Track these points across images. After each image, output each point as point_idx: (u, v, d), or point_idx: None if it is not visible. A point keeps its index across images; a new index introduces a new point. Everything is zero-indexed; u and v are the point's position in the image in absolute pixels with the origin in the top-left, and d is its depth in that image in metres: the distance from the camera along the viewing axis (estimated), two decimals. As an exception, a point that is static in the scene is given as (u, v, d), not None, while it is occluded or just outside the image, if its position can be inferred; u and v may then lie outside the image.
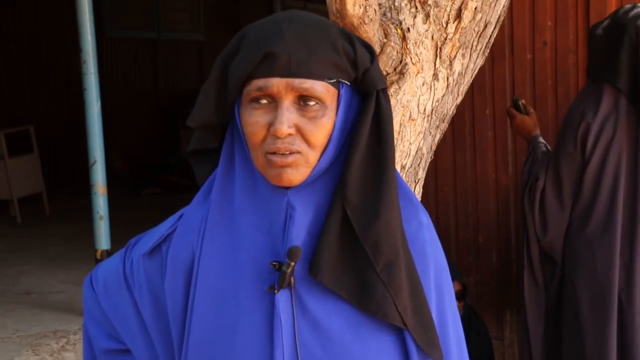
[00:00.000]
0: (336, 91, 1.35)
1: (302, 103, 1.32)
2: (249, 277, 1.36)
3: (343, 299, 1.33)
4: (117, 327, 1.54)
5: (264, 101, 1.33)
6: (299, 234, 1.34)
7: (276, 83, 1.31)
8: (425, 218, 1.43)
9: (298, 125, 1.32)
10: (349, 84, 1.36)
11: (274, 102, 1.33)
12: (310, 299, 1.34)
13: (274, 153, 1.32)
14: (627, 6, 3.36)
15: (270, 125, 1.32)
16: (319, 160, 1.34)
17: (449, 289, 1.43)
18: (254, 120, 1.33)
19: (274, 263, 1.33)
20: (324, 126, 1.33)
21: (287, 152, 1.31)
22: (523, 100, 3.66)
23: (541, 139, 3.57)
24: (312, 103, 1.32)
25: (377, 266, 1.32)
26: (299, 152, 1.32)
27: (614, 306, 3.23)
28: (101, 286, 1.56)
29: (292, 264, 1.31)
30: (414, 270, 1.36)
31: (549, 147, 3.55)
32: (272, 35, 1.33)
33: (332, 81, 1.33)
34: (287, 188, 1.34)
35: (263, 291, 1.35)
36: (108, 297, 1.54)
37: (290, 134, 1.31)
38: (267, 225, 1.36)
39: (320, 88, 1.32)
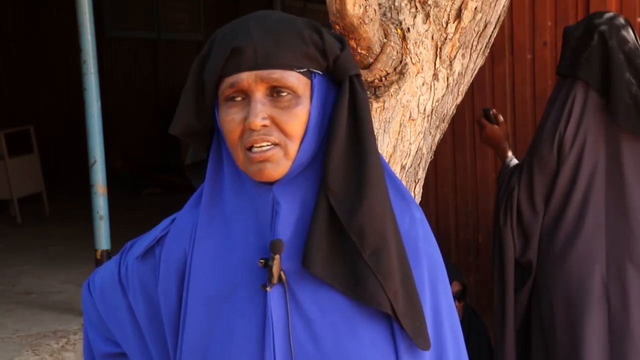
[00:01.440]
0: (309, 81, 1.35)
1: (274, 94, 1.33)
2: (244, 278, 1.36)
3: (337, 291, 1.34)
4: (113, 330, 1.55)
5: (238, 98, 1.34)
6: (285, 229, 1.34)
7: (245, 77, 1.32)
8: (418, 213, 1.43)
9: (272, 116, 1.33)
10: (321, 73, 1.36)
11: (247, 97, 1.34)
12: (303, 294, 1.35)
13: (252, 148, 1.32)
14: (601, 11, 3.43)
15: (246, 120, 1.33)
16: (298, 152, 1.34)
17: (445, 284, 1.43)
18: (230, 117, 1.34)
19: (261, 260, 1.33)
20: (298, 115, 1.33)
21: (265, 145, 1.32)
22: (494, 110, 3.65)
23: (514, 161, 3.54)
24: (284, 93, 1.33)
25: (365, 253, 1.32)
26: (277, 144, 1.32)
27: (590, 314, 3.21)
28: (98, 290, 1.57)
29: (277, 257, 1.32)
30: (406, 258, 1.36)
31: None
32: (238, 32, 1.35)
33: (302, 70, 1.34)
34: (272, 184, 1.35)
35: (257, 291, 1.35)
36: (104, 301, 1.55)
37: (265, 126, 1.32)
38: (256, 225, 1.37)
39: (291, 78, 1.33)
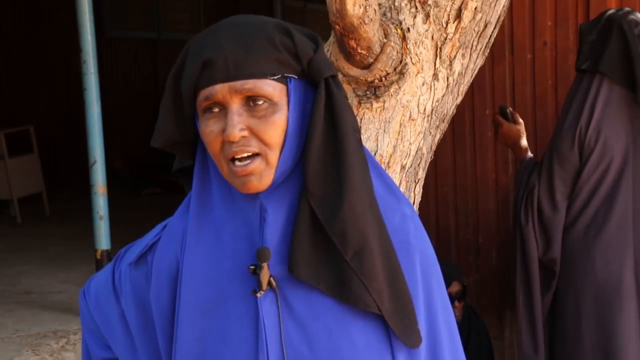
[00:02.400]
0: (284, 87, 1.33)
1: (251, 104, 1.32)
2: (235, 283, 1.36)
3: (325, 294, 1.33)
4: (106, 336, 1.55)
5: (216, 109, 1.33)
6: (273, 235, 1.34)
7: (219, 89, 1.31)
8: (408, 210, 1.42)
9: (250, 126, 1.31)
10: (296, 77, 1.35)
11: (224, 108, 1.32)
12: (295, 299, 1.34)
13: (234, 160, 1.32)
14: (617, 8, 3.42)
15: (224, 131, 1.31)
16: (279, 159, 1.33)
17: (438, 280, 1.42)
18: (209, 130, 1.33)
19: (251, 267, 1.33)
20: (276, 123, 1.32)
21: (246, 156, 1.31)
22: (510, 108, 3.63)
23: (532, 160, 3.51)
24: (260, 102, 1.31)
25: (347, 255, 1.32)
26: (257, 154, 1.32)
27: (622, 307, 3.19)
28: (93, 297, 1.57)
29: (264, 265, 1.31)
30: (393, 255, 1.35)
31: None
32: (208, 42, 1.33)
33: (276, 77, 1.32)
34: (259, 192, 1.34)
35: (249, 297, 1.35)
36: (98, 308, 1.55)
37: (243, 137, 1.31)
38: (245, 232, 1.36)
39: (265, 86, 1.31)
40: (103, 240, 4.31)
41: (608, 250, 3.21)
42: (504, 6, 2.24)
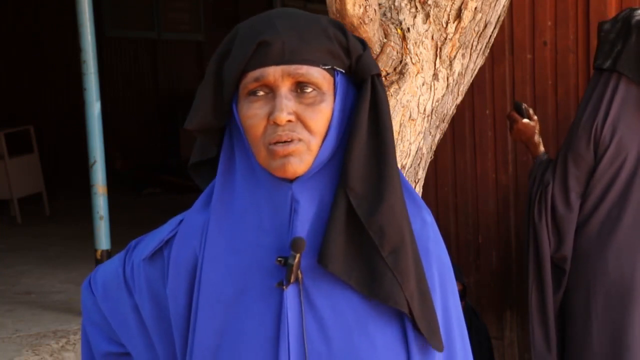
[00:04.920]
0: (332, 78, 1.35)
1: (299, 90, 1.33)
2: (256, 278, 1.35)
3: (352, 291, 1.33)
4: (116, 330, 1.53)
5: (261, 93, 1.33)
6: (303, 227, 1.33)
7: (272, 71, 1.32)
8: (429, 217, 1.43)
9: (297, 112, 1.32)
10: (343, 72, 1.36)
11: (272, 92, 1.33)
12: (317, 294, 1.34)
13: (276, 143, 1.31)
14: (636, 7, 3.43)
15: (270, 115, 1.32)
16: (320, 148, 1.33)
17: (453, 287, 1.43)
18: (253, 112, 1.33)
19: (279, 259, 1.32)
20: (322, 112, 1.33)
21: (289, 140, 1.31)
22: (525, 105, 3.62)
23: (546, 157, 3.51)
24: (309, 90, 1.32)
25: (383, 252, 1.31)
26: (300, 140, 1.32)
27: (634, 305, 3.18)
28: (100, 289, 1.55)
29: (298, 255, 1.31)
30: (419, 259, 1.36)
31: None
32: (264, 27, 1.34)
33: (327, 67, 1.34)
34: (291, 181, 1.34)
35: (271, 290, 1.34)
36: (107, 300, 1.54)
37: (290, 121, 1.31)
38: (271, 224, 1.35)
39: (316, 74, 1.33)
40: (103, 240, 4.31)
41: (621, 250, 3.21)
42: (504, 6, 2.24)
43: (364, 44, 1.40)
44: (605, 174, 3.25)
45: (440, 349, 1.35)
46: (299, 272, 1.32)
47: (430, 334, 1.34)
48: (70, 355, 3.94)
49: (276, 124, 1.31)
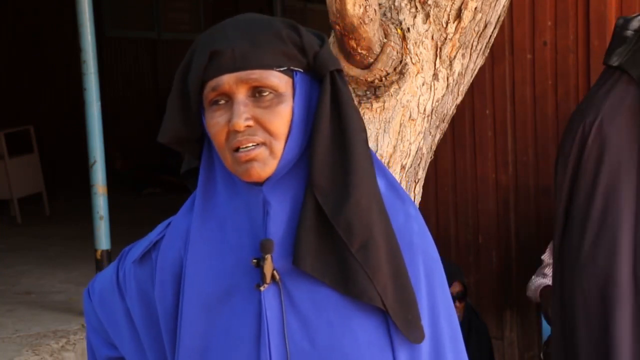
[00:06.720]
0: (290, 79, 1.36)
1: (257, 95, 1.34)
2: (239, 279, 1.37)
3: (329, 287, 1.34)
4: (111, 334, 1.56)
5: (222, 101, 1.35)
6: (277, 228, 1.35)
7: (226, 79, 1.33)
8: (413, 210, 1.43)
9: (256, 117, 1.33)
10: (302, 71, 1.37)
11: (230, 99, 1.34)
12: (298, 292, 1.35)
13: (238, 149, 1.33)
14: None
15: (230, 122, 1.33)
16: (284, 149, 1.34)
17: (441, 279, 1.43)
18: (215, 121, 1.35)
19: (254, 260, 1.34)
20: (281, 114, 1.34)
21: (250, 145, 1.32)
22: None
23: None
24: (265, 93, 1.33)
25: (352, 247, 1.32)
26: (262, 144, 1.33)
27: (619, 307, 3.18)
28: (97, 296, 1.58)
29: (268, 256, 1.32)
30: (398, 252, 1.36)
31: None
32: (217, 36, 1.36)
33: (282, 69, 1.35)
34: (262, 184, 1.35)
35: (252, 291, 1.35)
36: (103, 306, 1.56)
37: (248, 126, 1.33)
38: (249, 226, 1.37)
39: (271, 77, 1.34)
40: (103, 240, 4.31)
41: (606, 252, 3.21)
42: (504, 6, 2.24)
43: (322, 39, 1.40)
44: (591, 176, 3.24)
45: (418, 340, 1.35)
46: (275, 272, 1.34)
47: (406, 326, 1.34)
48: (70, 355, 3.94)
49: (236, 131, 1.32)
